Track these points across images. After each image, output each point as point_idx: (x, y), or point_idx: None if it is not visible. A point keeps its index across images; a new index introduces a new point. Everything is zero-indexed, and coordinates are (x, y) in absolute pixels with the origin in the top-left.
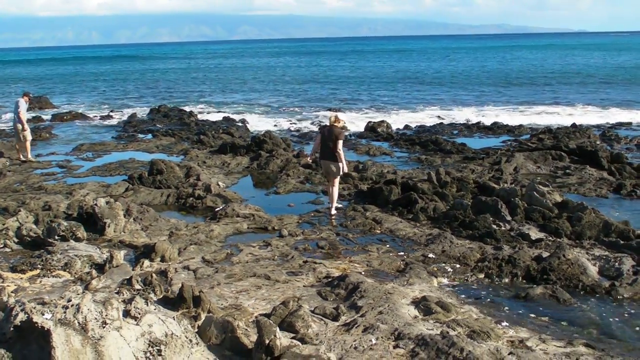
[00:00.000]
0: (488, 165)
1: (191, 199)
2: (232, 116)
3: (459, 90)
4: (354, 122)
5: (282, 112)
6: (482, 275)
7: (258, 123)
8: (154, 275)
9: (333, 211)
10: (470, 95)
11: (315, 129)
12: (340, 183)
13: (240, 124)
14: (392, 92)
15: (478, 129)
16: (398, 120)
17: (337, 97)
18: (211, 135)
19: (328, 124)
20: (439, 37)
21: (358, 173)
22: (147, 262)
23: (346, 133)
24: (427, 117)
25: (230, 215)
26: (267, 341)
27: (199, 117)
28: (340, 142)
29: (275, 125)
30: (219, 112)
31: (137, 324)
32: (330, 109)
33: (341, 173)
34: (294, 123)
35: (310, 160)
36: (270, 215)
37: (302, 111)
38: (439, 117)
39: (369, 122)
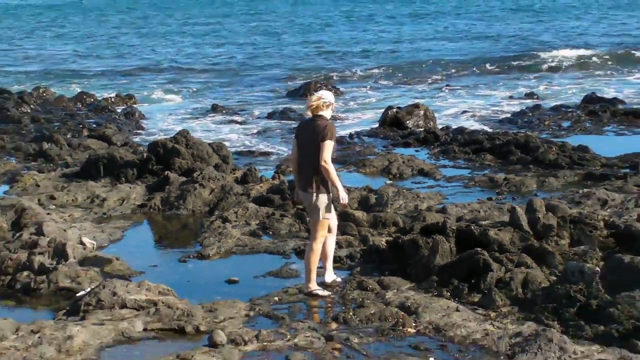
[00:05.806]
0: (638, 190)
1: (26, 274)
2: (107, 96)
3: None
4: (355, 106)
5: (217, 90)
6: None
7: (161, 115)
8: None
9: (328, 279)
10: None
11: (284, 126)
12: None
13: (124, 119)
14: (428, 43)
15: (613, 115)
16: (444, 106)
17: (329, 64)
18: (64, 143)
19: (308, 113)
20: None
21: (368, 213)
22: None
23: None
24: (506, 96)
25: (107, 306)
26: None
27: (39, 104)
28: (328, 147)
29: (200, 124)
30: (81, 93)
31: None
32: (313, 86)
33: (330, 210)
34: (242, 119)
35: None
36: (191, 303)
37: (259, 91)
38: (531, 94)
39: (389, 108)
